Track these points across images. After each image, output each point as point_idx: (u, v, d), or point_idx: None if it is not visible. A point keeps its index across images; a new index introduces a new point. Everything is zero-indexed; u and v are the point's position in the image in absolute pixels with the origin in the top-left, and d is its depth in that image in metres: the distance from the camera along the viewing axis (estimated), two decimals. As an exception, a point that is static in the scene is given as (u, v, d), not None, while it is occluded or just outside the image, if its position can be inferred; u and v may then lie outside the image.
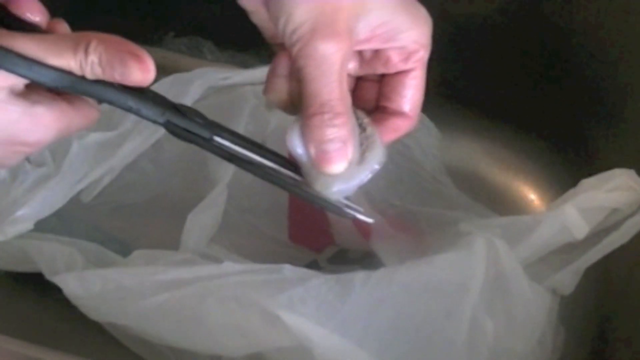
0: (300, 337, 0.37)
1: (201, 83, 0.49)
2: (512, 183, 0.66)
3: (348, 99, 0.33)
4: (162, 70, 0.66)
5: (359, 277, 0.39)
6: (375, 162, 0.35)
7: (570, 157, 0.63)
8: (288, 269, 0.40)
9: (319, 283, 0.39)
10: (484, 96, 0.65)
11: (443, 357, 0.39)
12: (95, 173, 0.48)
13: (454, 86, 0.65)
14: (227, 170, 0.49)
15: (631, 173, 0.42)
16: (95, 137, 0.47)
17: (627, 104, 0.56)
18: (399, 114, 0.36)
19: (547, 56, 0.62)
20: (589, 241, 0.42)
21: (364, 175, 0.35)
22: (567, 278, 0.43)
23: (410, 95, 0.36)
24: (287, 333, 0.37)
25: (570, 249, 0.43)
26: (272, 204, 0.56)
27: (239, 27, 0.69)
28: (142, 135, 0.47)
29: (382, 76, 0.37)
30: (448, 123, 0.67)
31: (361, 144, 0.35)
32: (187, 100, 0.49)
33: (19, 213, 0.45)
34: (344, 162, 0.34)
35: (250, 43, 0.68)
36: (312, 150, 0.33)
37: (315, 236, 0.57)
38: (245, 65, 0.65)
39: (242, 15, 0.73)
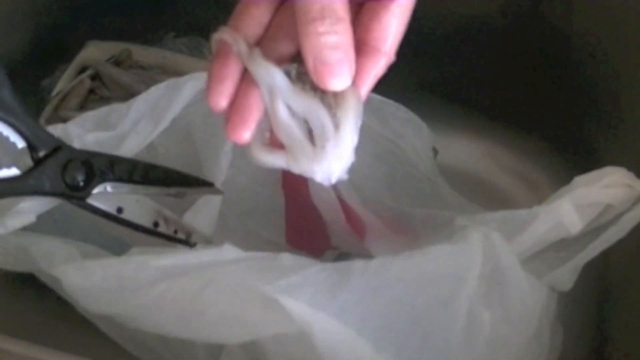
0: (299, 322, 0.37)
1: (194, 85, 0.49)
2: (512, 183, 0.66)
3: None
4: (162, 70, 0.67)
5: (356, 265, 0.39)
6: (354, 116, 0.32)
7: (570, 158, 0.63)
8: (286, 257, 0.40)
9: (317, 271, 0.39)
10: (484, 96, 0.65)
11: (440, 346, 0.39)
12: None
13: (454, 86, 0.66)
14: (221, 170, 0.49)
15: (624, 171, 0.43)
16: (93, 136, 0.47)
17: (627, 104, 0.56)
18: (375, 50, 0.32)
19: (547, 56, 0.62)
20: (585, 238, 0.43)
21: (353, 136, 0.32)
22: (566, 275, 0.43)
23: (390, 24, 0.31)
24: (286, 318, 0.37)
25: (567, 246, 0.43)
26: (269, 207, 0.56)
27: (239, 27, 0.69)
28: (140, 136, 0.47)
29: (363, 4, 0.32)
30: (448, 123, 0.67)
31: (331, 107, 0.32)
32: (180, 103, 0.48)
33: (21, 205, 0.44)
34: (346, 77, 0.30)
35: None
36: (311, 63, 0.30)
37: (313, 239, 0.57)
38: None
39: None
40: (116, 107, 0.48)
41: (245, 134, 0.32)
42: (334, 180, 0.33)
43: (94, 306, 0.42)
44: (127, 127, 0.47)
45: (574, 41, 0.59)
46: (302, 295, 0.38)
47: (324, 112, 0.32)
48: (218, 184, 0.48)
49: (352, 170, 0.54)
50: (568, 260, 0.43)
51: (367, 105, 0.54)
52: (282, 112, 0.32)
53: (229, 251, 0.41)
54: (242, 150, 0.53)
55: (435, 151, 0.58)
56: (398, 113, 0.55)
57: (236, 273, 0.39)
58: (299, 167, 0.32)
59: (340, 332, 0.38)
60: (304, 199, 0.53)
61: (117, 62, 0.66)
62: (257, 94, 0.32)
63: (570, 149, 0.63)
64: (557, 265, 0.43)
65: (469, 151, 0.67)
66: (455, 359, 0.40)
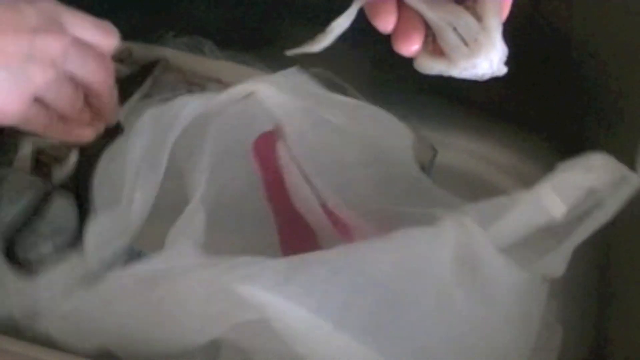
0: (255, 308, 0.37)
1: (187, 114, 0.49)
2: (512, 183, 0.66)
3: None
4: (163, 70, 0.67)
5: (315, 254, 0.40)
6: (494, 9, 0.36)
7: (570, 158, 0.63)
8: (246, 257, 0.40)
9: (275, 262, 0.40)
10: (484, 96, 0.65)
11: (409, 323, 0.40)
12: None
13: (454, 86, 0.65)
14: (200, 182, 0.48)
15: (606, 156, 0.43)
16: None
17: (627, 104, 0.56)
18: None
19: (547, 56, 0.62)
20: (572, 225, 0.43)
21: (498, 26, 0.37)
22: (556, 261, 0.43)
23: None
24: (245, 307, 0.37)
25: (555, 233, 0.43)
26: (264, 214, 0.55)
27: (239, 27, 0.69)
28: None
29: None
30: (448, 123, 0.67)
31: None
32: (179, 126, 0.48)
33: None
34: None
35: (250, 43, 0.68)
36: None
37: (305, 247, 0.56)
38: (246, 65, 0.65)
39: (242, 15, 0.73)
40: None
41: (414, 47, 0.38)
42: (495, 69, 0.38)
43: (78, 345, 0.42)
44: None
45: (574, 41, 0.59)
46: (258, 282, 0.38)
47: (465, 13, 0.37)
48: (196, 200, 0.47)
49: (336, 175, 0.53)
50: (556, 246, 0.43)
51: (346, 110, 0.54)
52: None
53: (186, 256, 0.41)
54: (238, 156, 0.53)
55: (435, 151, 0.58)
56: (377, 116, 0.54)
57: (196, 272, 0.40)
58: (459, 68, 0.38)
59: (296, 314, 0.38)
60: (289, 209, 0.53)
61: (117, 62, 0.66)
62: (416, 15, 0.37)
63: (571, 149, 0.63)
64: (546, 252, 0.43)
65: (469, 151, 0.67)
66: (426, 334, 0.40)
